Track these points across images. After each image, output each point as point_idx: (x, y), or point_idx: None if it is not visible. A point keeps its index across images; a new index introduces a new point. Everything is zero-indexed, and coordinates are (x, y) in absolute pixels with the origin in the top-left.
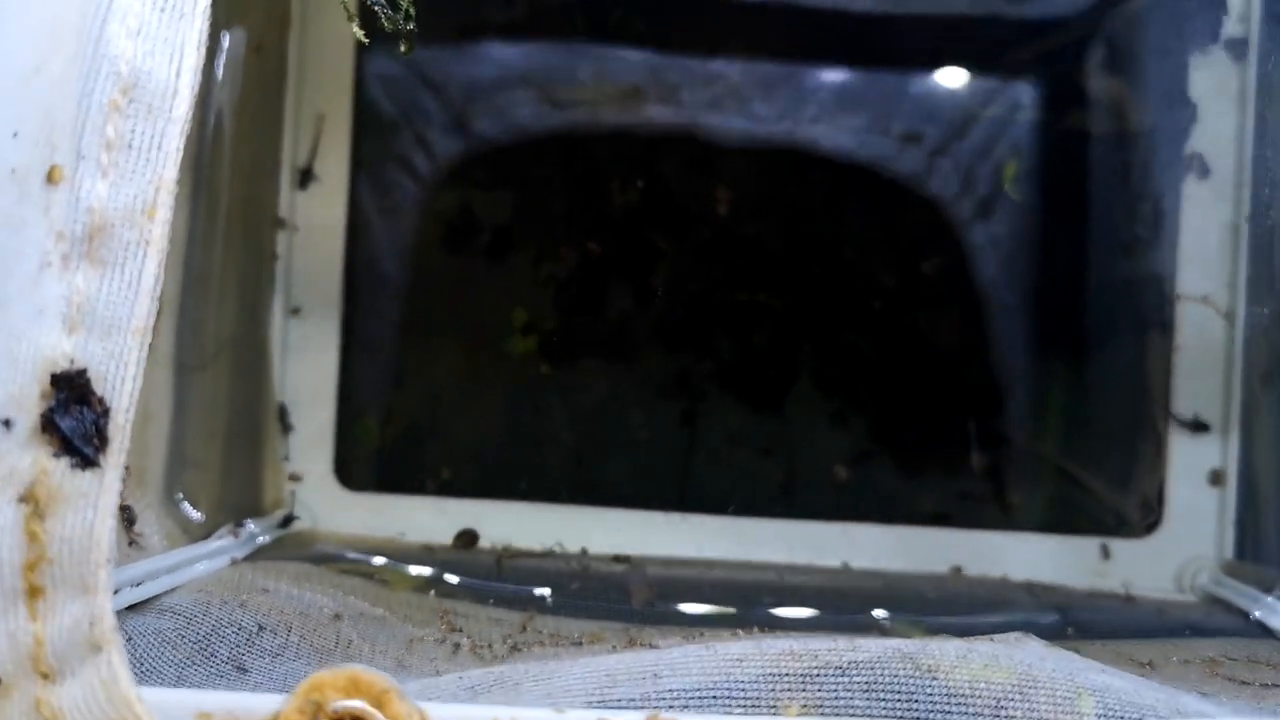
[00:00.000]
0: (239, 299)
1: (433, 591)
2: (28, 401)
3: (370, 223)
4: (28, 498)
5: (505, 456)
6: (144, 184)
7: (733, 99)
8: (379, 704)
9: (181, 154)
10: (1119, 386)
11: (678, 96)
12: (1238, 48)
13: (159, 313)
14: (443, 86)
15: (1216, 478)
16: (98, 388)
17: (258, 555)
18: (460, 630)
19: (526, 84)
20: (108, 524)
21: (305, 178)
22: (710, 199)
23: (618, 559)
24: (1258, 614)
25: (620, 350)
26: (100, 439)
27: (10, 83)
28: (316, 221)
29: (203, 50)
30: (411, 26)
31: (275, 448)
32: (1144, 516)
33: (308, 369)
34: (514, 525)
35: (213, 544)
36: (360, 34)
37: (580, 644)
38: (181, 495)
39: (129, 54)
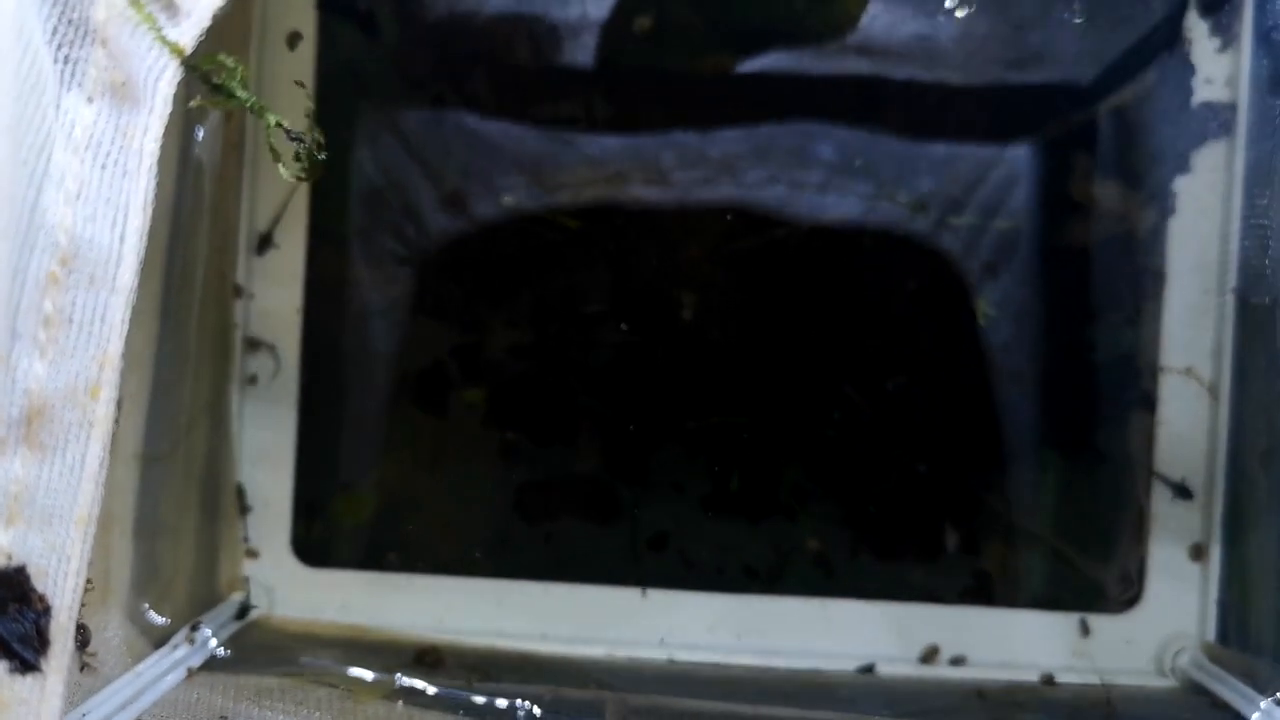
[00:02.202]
0: (209, 373)
1: (400, 702)
2: None
3: (330, 291)
4: None
5: (469, 531)
6: (86, 360)
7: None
8: None
9: (128, 325)
10: (1101, 458)
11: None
12: (1223, 114)
13: (123, 409)
14: (416, 161)
15: (1198, 552)
16: (38, 584)
17: (214, 664)
18: None
19: (504, 176)
20: None
21: (264, 243)
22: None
23: (597, 685)
24: (1254, 718)
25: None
26: (41, 641)
27: None
28: (274, 289)
29: (149, 210)
30: (322, 156)
31: (234, 527)
32: (1124, 590)
33: (264, 440)
34: (477, 603)
35: (167, 657)
36: (286, 173)
37: None
38: (147, 605)
39: (67, 222)
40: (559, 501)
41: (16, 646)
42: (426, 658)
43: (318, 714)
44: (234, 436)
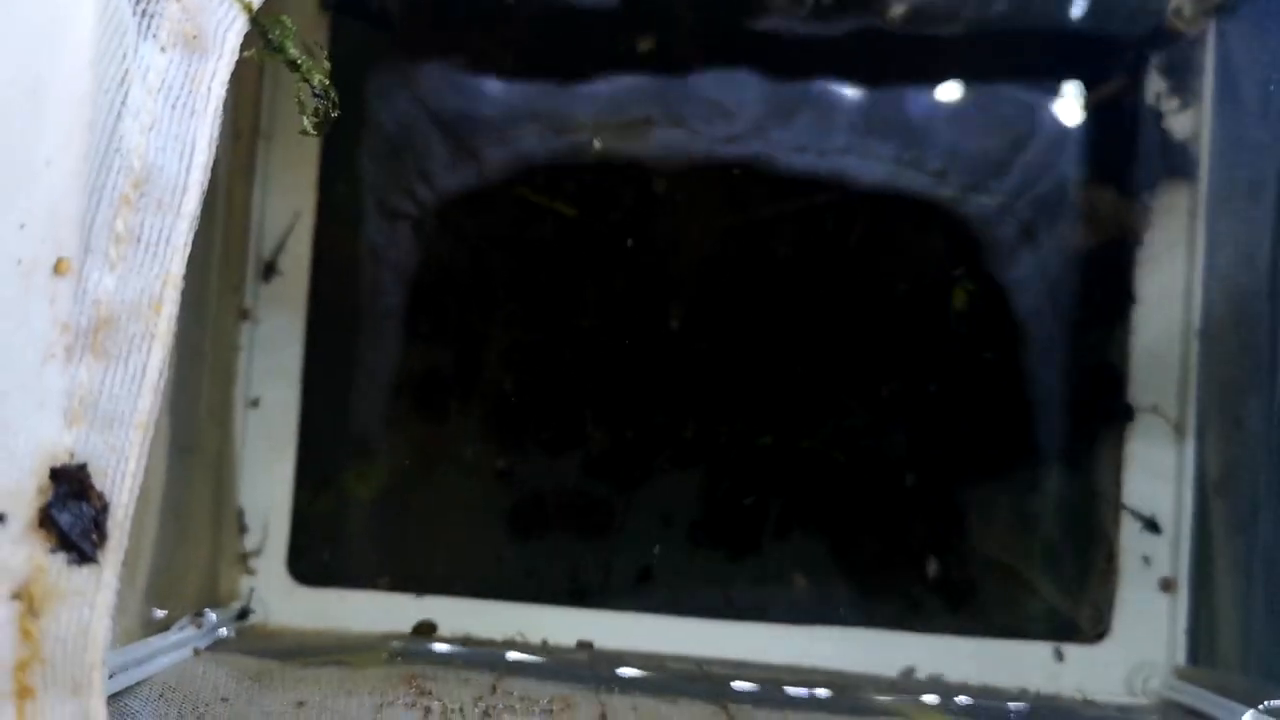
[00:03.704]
0: (219, 389)
1: (399, 659)
2: (25, 495)
3: (331, 316)
4: (21, 595)
5: (462, 552)
6: (151, 278)
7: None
8: None
9: (189, 249)
10: (1071, 494)
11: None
12: (1188, 164)
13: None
14: (416, 181)
15: (1167, 585)
16: (98, 482)
17: (219, 646)
18: (430, 694)
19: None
20: (104, 623)
21: (269, 270)
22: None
23: (581, 644)
24: None
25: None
26: (99, 534)
27: (20, 174)
28: (277, 314)
29: (213, 148)
30: (335, 114)
31: (233, 541)
32: (1095, 623)
33: (264, 461)
34: (469, 622)
35: (175, 635)
36: (307, 124)
37: (550, 712)
38: (159, 597)
39: (142, 149)
40: (550, 521)
41: (76, 539)
42: (421, 628)
43: (317, 688)
44: (236, 455)
